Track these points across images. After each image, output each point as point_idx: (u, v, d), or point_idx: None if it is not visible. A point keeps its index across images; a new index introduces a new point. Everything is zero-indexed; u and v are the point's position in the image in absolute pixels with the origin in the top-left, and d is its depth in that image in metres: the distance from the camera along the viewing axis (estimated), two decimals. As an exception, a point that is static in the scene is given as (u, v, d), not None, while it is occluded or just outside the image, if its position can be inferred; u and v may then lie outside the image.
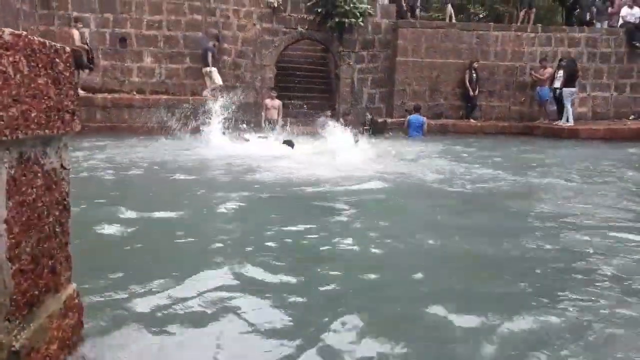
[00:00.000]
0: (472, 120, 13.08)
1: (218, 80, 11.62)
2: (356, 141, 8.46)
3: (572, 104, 12.23)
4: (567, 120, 12.05)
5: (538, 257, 3.08)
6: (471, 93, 12.90)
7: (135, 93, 11.60)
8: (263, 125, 11.42)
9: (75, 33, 10.71)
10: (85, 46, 10.92)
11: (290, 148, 8.47)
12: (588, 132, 11.35)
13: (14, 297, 0.71)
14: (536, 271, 2.82)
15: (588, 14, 14.28)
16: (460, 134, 12.26)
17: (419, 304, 2.31)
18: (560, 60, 12.63)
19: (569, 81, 11.97)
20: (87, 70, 11.04)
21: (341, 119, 12.83)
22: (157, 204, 4.39)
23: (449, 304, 2.26)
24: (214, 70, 11.71)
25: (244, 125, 10.09)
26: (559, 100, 12.43)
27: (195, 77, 12.06)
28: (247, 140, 9.12)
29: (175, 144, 8.63)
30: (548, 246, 3.26)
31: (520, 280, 2.69)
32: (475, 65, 12.91)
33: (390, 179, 5.77)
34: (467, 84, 12.91)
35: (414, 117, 11.99)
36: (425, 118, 12.07)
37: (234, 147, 8.38)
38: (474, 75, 12.91)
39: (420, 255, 3.12)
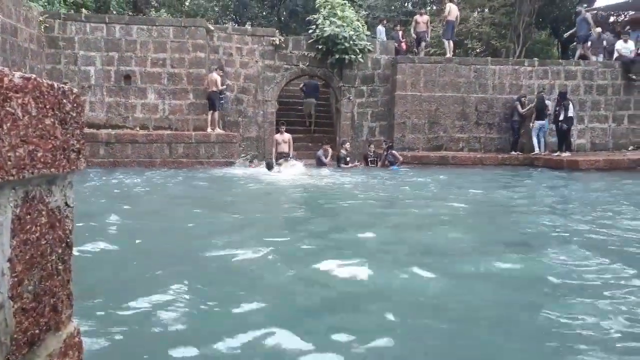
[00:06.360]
0: (513, 153, 13.11)
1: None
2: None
3: (543, 136, 12.89)
4: (536, 150, 12.68)
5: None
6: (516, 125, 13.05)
7: (138, 129, 11.75)
8: (274, 159, 11.57)
9: (216, 77, 11.56)
10: (222, 87, 11.82)
11: (268, 169, 10.55)
12: (587, 163, 11.39)
13: (15, 336, 0.71)
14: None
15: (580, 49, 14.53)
16: (460, 166, 12.30)
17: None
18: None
19: (538, 115, 12.60)
20: (217, 111, 11.91)
21: (341, 150, 12.98)
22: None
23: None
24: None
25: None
26: (559, 132, 12.57)
27: (197, 112, 12.23)
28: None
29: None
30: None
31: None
32: (524, 99, 13.07)
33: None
34: (518, 117, 13.00)
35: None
36: (396, 153, 12.37)
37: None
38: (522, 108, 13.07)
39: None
